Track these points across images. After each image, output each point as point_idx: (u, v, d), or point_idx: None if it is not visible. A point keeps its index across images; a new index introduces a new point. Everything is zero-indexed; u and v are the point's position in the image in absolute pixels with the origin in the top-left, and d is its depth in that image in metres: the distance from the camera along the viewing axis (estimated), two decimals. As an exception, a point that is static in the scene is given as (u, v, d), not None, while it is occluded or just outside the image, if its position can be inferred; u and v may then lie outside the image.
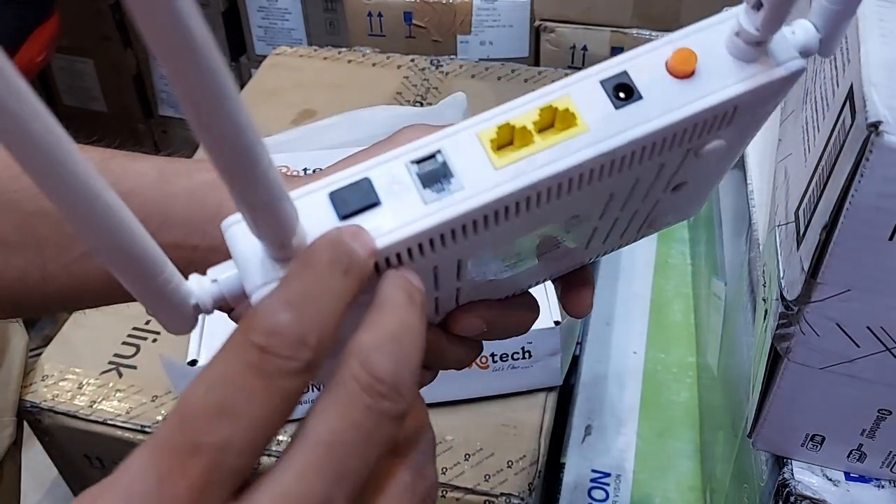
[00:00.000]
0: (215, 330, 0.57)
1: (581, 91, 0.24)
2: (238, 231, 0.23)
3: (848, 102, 0.35)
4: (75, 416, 0.61)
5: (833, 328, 0.38)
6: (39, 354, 0.66)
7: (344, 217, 0.23)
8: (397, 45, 1.00)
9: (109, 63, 1.36)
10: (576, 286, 0.34)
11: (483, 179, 0.23)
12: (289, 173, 0.68)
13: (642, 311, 0.74)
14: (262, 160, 0.19)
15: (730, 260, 0.61)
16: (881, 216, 0.34)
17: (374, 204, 0.23)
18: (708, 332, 0.66)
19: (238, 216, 0.22)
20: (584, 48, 0.96)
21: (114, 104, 1.41)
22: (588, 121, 0.24)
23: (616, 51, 0.94)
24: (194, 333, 0.57)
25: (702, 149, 0.26)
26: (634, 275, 0.78)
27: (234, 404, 0.19)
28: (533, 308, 0.34)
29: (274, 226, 0.21)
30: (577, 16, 0.95)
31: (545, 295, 0.57)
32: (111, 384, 0.63)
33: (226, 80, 0.17)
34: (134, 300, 0.24)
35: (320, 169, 0.68)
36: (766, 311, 0.43)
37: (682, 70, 0.24)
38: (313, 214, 0.23)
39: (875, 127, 0.32)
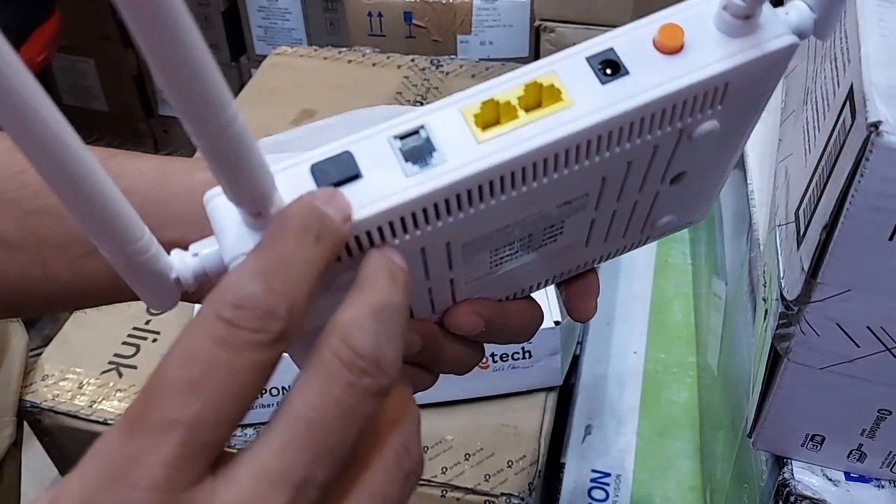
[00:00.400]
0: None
1: (567, 67, 0.24)
2: (219, 203, 0.23)
3: (848, 102, 0.35)
4: (75, 416, 0.61)
5: (833, 328, 0.38)
6: (39, 354, 0.66)
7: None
8: (397, 44, 1.00)
9: (110, 62, 1.36)
10: (579, 289, 0.34)
11: (466, 153, 0.23)
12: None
13: (642, 311, 0.74)
14: (227, 113, 0.18)
15: (730, 260, 0.61)
16: (881, 216, 0.34)
17: (355, 176, 0.23)
18: (708, 332, 0.66)
19: (220, 189, 0.22)
20: (585, 48, 0.96)
21: (115, 104, 1.41)
22: (574, 96, 0.24)
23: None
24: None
25: (695, 131, 0.26)
26: (635, 275, 0.78)
27: (203, 379, 0.19)
28: (535, 311, 0.33)
29: (247, 187, 0.21)
30: (577, 16, 0.95)
31: (545, 295, 0.57)
32: (111, 384, 0.63)
33: (191, 35, 0.16)
34: (136, 298, 0.24)
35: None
36: (766, 311, 0.43)
37: (670, 46, 0.24)
38: (294, 186, 0.23)
39: (875, 127, 0.32)
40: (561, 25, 0.96)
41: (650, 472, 0.62)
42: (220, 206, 0.23)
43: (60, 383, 0.63)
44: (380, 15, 0.99)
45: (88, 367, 0.64)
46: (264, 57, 0.97)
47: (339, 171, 0.23)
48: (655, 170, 0.27)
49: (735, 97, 0.25)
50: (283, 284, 0.20)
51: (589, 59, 0.24)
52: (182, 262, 0.23)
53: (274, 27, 1.25)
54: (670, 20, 0.24)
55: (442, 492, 0.56)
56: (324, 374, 0.20)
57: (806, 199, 0.39)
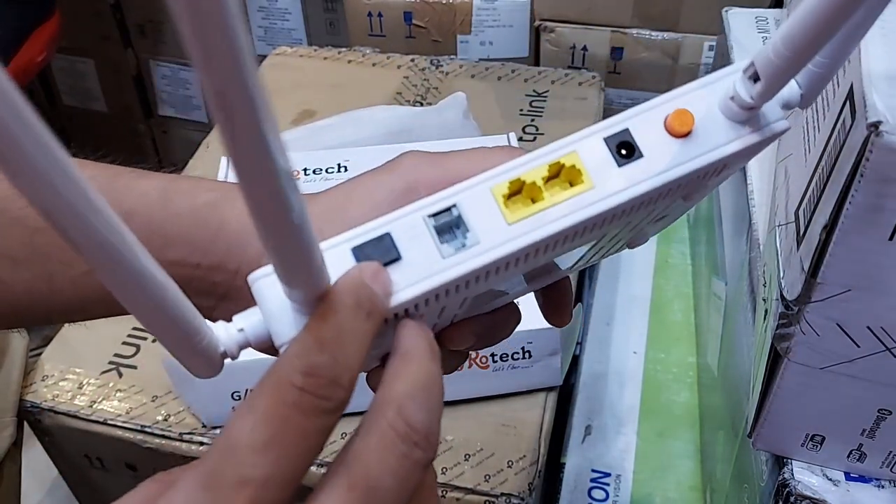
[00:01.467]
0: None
1: (587, 148, 0.26)
2: (265, 284, 0.24)
3: (848, 102, 0.35)
4: (75, 417, 0.61)
5: (833, 328, 0.38)
6: (39, 354, 0.66)
7: None
8: (397, 45, 1.00)
9: (110, 63, 1.36)
10: (556, 299, 0.36)
11: (497, 234, 0.25)
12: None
13: (642, 312, 0.74)
14: (309, 243, 0.20)
15: (730, 260, 0.60)
16: (881, 216, 0.34)
17: (396, 259, 0.24)
18: (708, 332, 0.66)
19: (265, 270, 0.24)
20: (584, 48, 0.96)
21: (114, 104, 1.41)
22: (593, 177, 0.26)
23: (616, 51, 0.94)
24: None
25: (691, 196, 0.28)
26: (634, 275, 0.78)
27: (276, 441, 0.20)
28: (516, 315, 0.35)
29: (310, 295, 0.22)
30: (577, 16, 0.95)
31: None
32: (111, 384, 0.63)
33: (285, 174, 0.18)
34: None
35: (320, 169, 0.68)
36: (766, 311, 0.43)
37: (680, 130, 0.26)
38: (336, 269, 0.24)
39: (875, 127, 0.32)
40: (561, 25, 0.96)
41: (650, 472, 0.62)
42: (267, 288, 0.24)
43: (60, 383, 0.63)
44: (380, 15, 0.99)
45: (88, 368, 0.64)
46: (264, 57, 0.97)
47: (380, 254, 0.24)
48: (647, 220, 0.30)
49: (729, 168, 0.28)
50: (345, 356, 0.22)
51: (606, 140, 0.26)
52: (228, 337, 0.24)
53: (274, 27, 1.25)
54: (681, 103, 0.26)
55: (442, 492, 0.56)
56: (381, 444, 0.22)
57: (806, 199, 0.39)
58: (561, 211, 0.25)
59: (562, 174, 0.26)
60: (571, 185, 0.25)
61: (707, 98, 0.26)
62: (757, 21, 0.65)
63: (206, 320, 0.23)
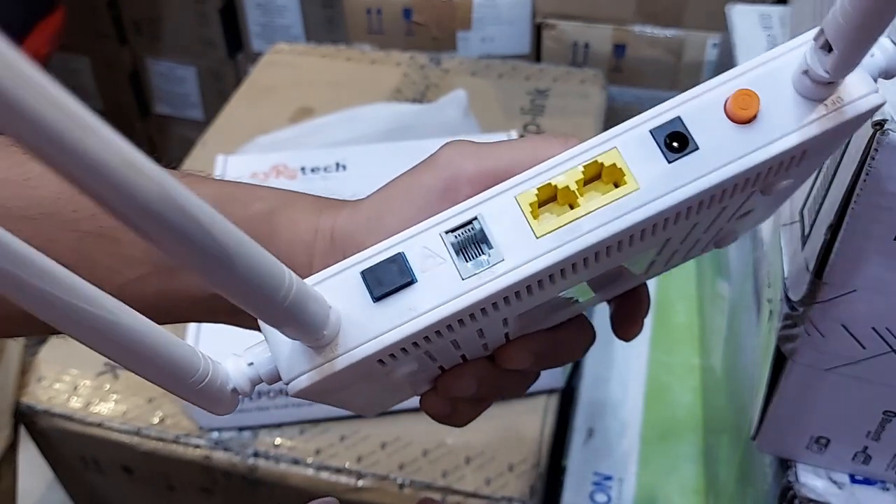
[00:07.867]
0: (211, 331, 0.56)
1: (630, 142, 0.22)
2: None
3: (854, 100, 0.34)
4: (71, 419, 0.60)
5: (838, 329, 0.38)
6: (35, 356, 0.65)
7: (378, 299, 0.22)
8: (396, 41, 0.99)
9: (105, 60, 1.35)
10: (630, 309, 0.32)
11: (523, 250, 0.22)
12: (286, 171, 0.67)
13: (645, 312, 0.74)
14: (284, 287, 0.19)
15: (734, 260, 0.60)
16: (887, 215, 0.33)
17: (410, 282, 0.22)
18: (712, 334, 0.65)
19: None
20: (586, 45, 0.95)
21: (110, 102, 1.41)
22: (638, 177, 0.22)
23: (619, 48, 0.93)
24: (190, 334, 0.57)
25: (770, 190, 0.24)
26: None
27: None
28: (585, 331, 0.32)
29: (304, 333, 0.21)
30: (579, 12, 0.94)
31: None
32: (107, 386, 0.62)
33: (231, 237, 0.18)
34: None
35: (318, 168, 0.68)
36: (770, 312, 0.43)
37: (744, 115, 0.22)
38: (345, 295, 0.22)
39: (880, 125, 0.32)
40: (562, 22, 0.95)
41: (653, 476, 0.62)
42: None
43: (56, 385, 0.62)
44: (378, 12, 0.98)
45: (84, 369, 0.63)
46: (262, 54, 0.97)
47: (392, 278, 0.22)
48: (722, 220, 0.26)
49: (813, 157, 0.24)
50: None
51: (653, 132, 0.22)
52: (238, 372, 0.23)
53: (272, 24, 1.24)
54: (744, 83, 0.22)
55: (442, 496, 0.55)
56: None
57: (811, 199, 0.38)
58: (599, 218, 0.22)
59: (603, 175, 0.22)
60: (612, 188, 0.22)
61: (775, 75, 0.22)
62: (761, 18, 0.64)
63: (212, 358, 0.22)
